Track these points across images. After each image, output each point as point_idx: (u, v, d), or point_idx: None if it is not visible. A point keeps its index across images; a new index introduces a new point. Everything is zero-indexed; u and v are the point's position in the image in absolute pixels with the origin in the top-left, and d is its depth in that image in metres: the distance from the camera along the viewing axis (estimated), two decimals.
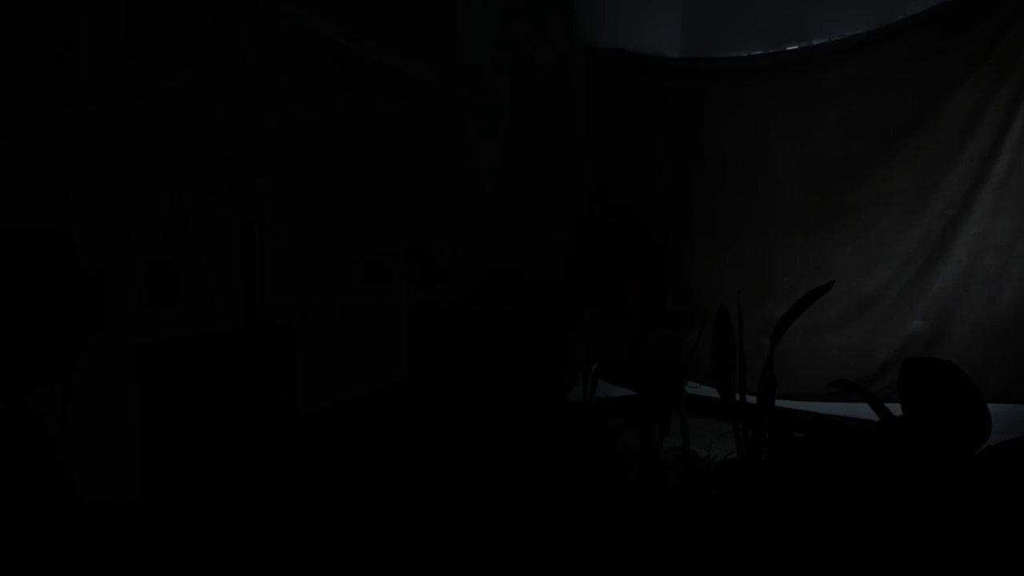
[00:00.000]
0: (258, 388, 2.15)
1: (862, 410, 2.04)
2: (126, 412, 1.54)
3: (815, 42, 3.17)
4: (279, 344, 2.25)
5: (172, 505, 1.77)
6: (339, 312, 2.57)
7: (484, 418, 2.89)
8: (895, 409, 1.88)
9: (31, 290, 1.24)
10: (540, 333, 3.32)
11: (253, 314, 2.13)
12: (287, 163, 2.36)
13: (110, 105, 1.50)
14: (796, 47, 3.24)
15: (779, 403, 2.32)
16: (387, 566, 1.90)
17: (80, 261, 1.39)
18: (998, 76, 2.64)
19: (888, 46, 2.88)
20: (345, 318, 2.60)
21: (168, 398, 1.80)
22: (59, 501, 1.38)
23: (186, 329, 1.91)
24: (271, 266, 2.32)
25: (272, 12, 2.24)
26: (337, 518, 2.15)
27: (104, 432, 1.48)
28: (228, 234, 2.17)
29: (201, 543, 1.84)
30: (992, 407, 1.70)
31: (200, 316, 1.96)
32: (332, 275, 2.65)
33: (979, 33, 2.68)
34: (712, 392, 2.47)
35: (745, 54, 3.41)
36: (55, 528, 1.37)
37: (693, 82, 3.40)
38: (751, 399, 2.33)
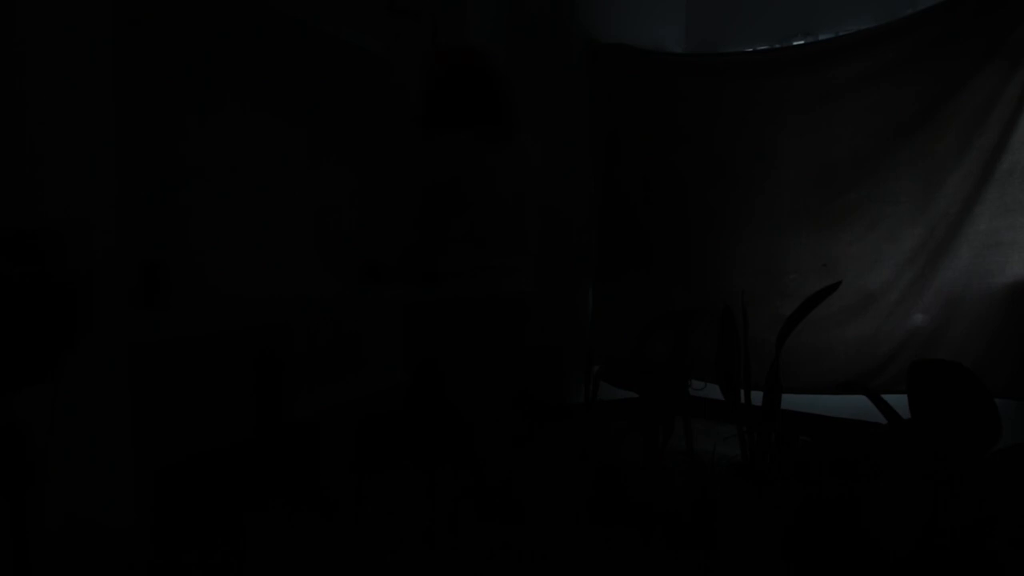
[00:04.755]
0: (259, 390, 2.13)
1: (868, 412, 2.01)
2: (118, 414, 1.51)
3: (821, 37, 3.15)
4: (278, 344, 2.23)
5: (164, 512, 1.74)
6: (338, 312, 2.54)
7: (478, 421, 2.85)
8: (896, 401, 1.86)
9: (18, 291, 1.21)
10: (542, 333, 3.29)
11: (252, 315, 2.11)
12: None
13: (102, 100, 1.48)
14: (802, 42, 3.21)
15: (784, 402, 2.29)
16: (387, 571, 1.88)
17: (70, 261, 1.37)
18: (1007, 73, 2.61)
19: (894, 42, 2.85)
20: (344, 318, 2.58)
21: (162, 401, 1.78)
22: (47, 506, 1.35)
23: (182, 330, 1.88)
24: (269, 265, 2.30)
25: (273, 13, 2.22)
26: (334, 521, 2.12)
27: (95, 435, 1.45)
28: (227, 233, 2.16)
29: (193, 550, 1.82)
30: None
31: (197, 317, 1.93)
32: (332, 274, 2.63)
33: (987, 29, 2.65)
34: (717, 394, 2.44)
35: (750, 49, 3.38)
36: (43, 534, 1.34)
37: (698, 79, 3.37)
38: (756, 397, 2.30)
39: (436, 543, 2.03)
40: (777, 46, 3.31)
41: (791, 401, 2.45)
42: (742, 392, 2.33)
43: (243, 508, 2.01)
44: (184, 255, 1.98)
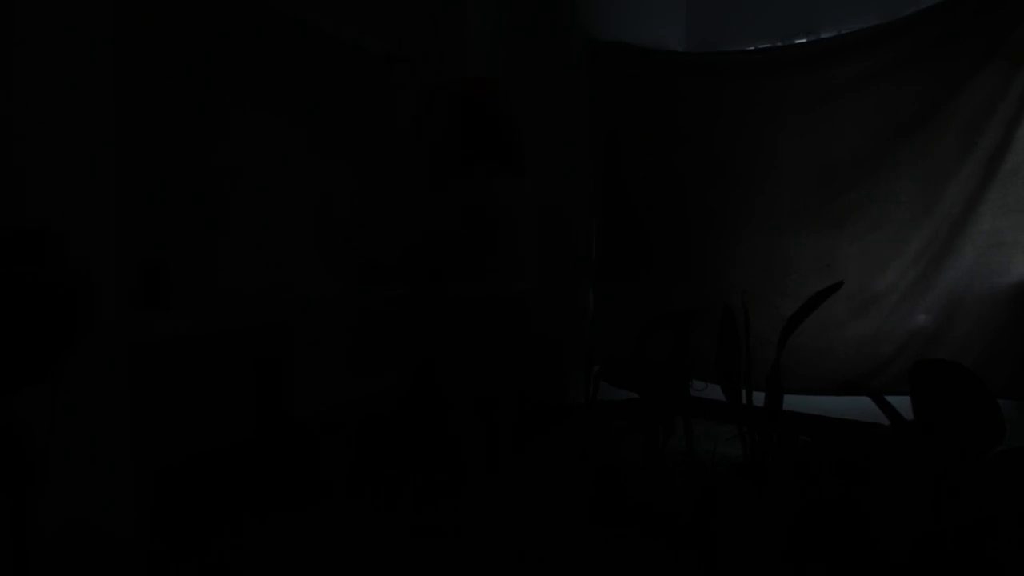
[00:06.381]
0: (259, 390, 2.13)
1: (870, 412, 2.01)
2: (118, 415, 1.51)
3: (823, 35, 3.14)
4: (278, 344, 2.22)
5: (164, 511, 1.74)
6: (338, 312, 2.54)
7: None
8: (897, 401, 1.85)
9: (18, 291, 1.21)
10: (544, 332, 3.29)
11: (252, 315, 2.11)
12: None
13: (102, 101, 1.47)
14: (804, 41, 3.21)
15: (785, 402, 2.29)
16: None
17: (70, 261, 1.37)
18: (1007, 73, 2.60)
19: (894, 42, 2.85)
20: (344, 318, 2.57)
21: (162, 401, 1.77)
22: (47, 506, 1.35)
23: (182, 330, 1.88)
24: (269, 265, 2.30)
25: (272, 13, 2.22)
26: (333, 523, 2.12)
27: (95, 435, 1.45)
28: (227, 233, 2.16)
29: (193, 550, 1.81)
30: None
31: (197, 317, 1.94)
32: (332, 273, 2.63)
33: (987, 29, 2.64)
34: (718, 394, 2.44)
35: (752, 47, 3.37)
36: (42, 534, 1.34)
37: (698, 78, 3.36)
38: (757, 397, 2.30)
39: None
40: (778, 44, 3.30)
41: (792, 401, 2.44)
42: (743, 392, 2.33)
43: (243, 508, 2.01)
44: (184, 255, 1.97)
